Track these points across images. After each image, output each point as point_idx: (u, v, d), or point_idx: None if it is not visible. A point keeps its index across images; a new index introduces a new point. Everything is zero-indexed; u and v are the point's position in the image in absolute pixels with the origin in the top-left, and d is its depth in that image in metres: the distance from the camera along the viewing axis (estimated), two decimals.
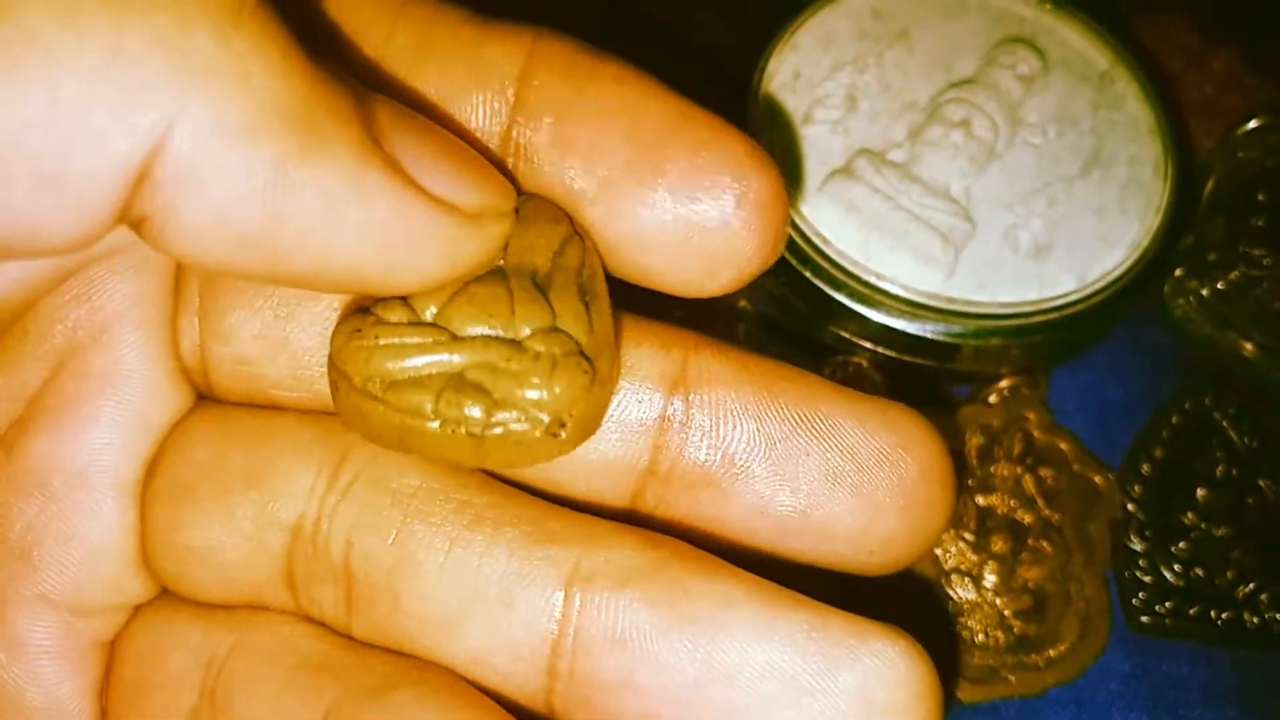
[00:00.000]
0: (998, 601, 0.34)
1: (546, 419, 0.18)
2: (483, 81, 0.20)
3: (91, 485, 0.22)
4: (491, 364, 0.18)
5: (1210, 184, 0.40)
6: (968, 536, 0.35)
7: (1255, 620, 0.35)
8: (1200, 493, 0.37)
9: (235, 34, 0.16)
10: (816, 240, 0.36)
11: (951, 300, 0.35)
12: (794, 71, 0.39)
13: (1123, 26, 0.41)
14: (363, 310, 0.19)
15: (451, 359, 0.18)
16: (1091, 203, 0.37)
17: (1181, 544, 0.36)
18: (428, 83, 0.20)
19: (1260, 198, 0.40)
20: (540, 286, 0.19)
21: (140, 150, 0.15)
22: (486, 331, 0.18)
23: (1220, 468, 0.37)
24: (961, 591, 0.34)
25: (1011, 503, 0.36)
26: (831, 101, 0.39)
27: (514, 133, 0.20)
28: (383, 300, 0.19)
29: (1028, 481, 0.36)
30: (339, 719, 0.20)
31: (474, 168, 0.19)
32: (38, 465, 0.21)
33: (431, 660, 0.20)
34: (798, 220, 0.36)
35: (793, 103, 0.38)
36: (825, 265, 0.35)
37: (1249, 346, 0.38)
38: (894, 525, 0.21)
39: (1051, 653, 0.34)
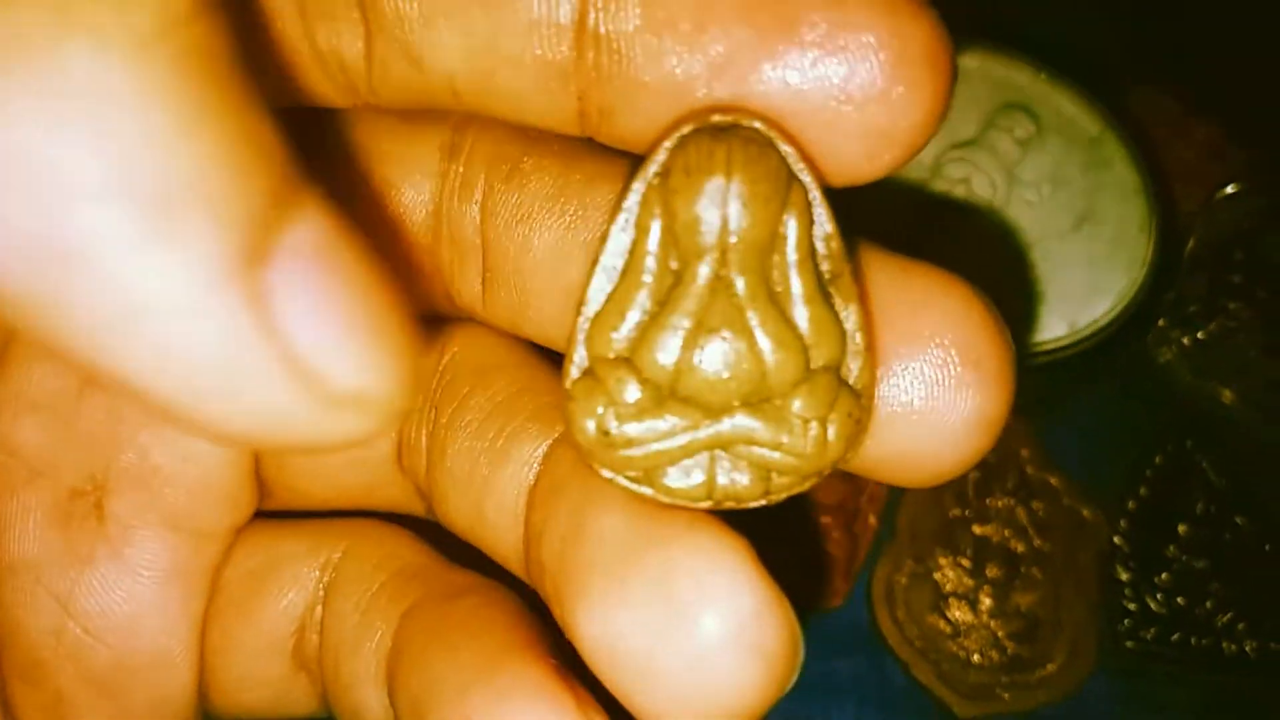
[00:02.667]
0: (992, 624, 0.37)
1: (824, 473, 0.17)
2: None
3: None
4: (752, 437, 0.17)
5: (1191, 243, 0.43)
6: (964, 563, 0.38)
7: (1232, 647, 0.37)
8: (1182, 528, 0.39)
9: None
10: None
11: None
12: None
13: (1112, 96, 0.44)
14: (588, 374, 0.17)
15: (712, 439, 0.17)
16: (1082, 256, 0.40)
17: (1164, 575, 0.38)
18: None
19: (1238, 256, 0.43)
20: (774, 295, 0.17)
21: None
22: (734, 389, 0.17)
23: (1200, 505, 0.40)
24: (959, 613, 0.37)
25: (1006, 532, 0.38)
26: None
27: (590, 21, 0.16)
28: (604, 360, 0.17)
29: (1021, 513, 0.38)
30: (413, 617, 0.20)
31: (382, 340, 0.14)
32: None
33: None
34: None
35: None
36: None
37: (1227, 393, 0.41)
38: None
39: (1043, 672, 0.36)
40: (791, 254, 0.16)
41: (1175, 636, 0.37)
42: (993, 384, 0.17)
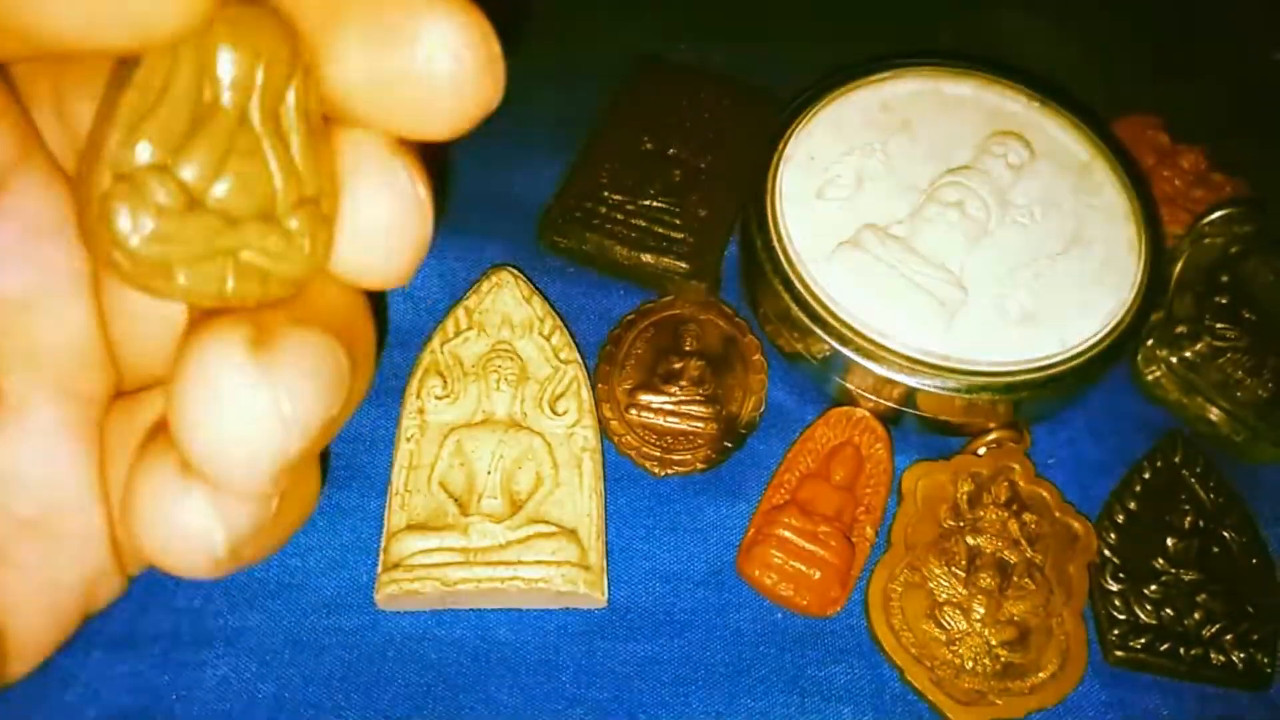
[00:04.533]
0: (985, 632, 0.38)
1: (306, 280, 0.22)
2: None
3: (63, 290, 0.25)
4: (261, 244, 0.21)
5: (1179, 265, 0.45)
6: (958, 572, 0.38)
7: (1220, 658, 0.38)
8: (1170, 541, 0.40)
9: None
10: (826, 300, 0.40)
11: (946, 358, 0.39)
12: (808, 154, 0.44)
13: (1102, 125, 0.45)
14: (126, 180, 0.20)
15: (227, 242, 0.21)
16: (1072, 277, 0.41)
17: (1153, 587, 0.39)
18: None
19: (1224, 279, 0.44)
20: (282, 135, 0.21)
21: None
22: (250, 205, 0.21)
23: (1188, 519, 0.41)
24: (952, 621, 0.38)
25: (998, 543, 0.39)
26: (841, 181, 0.43)
27: None
28: (147, 165, 0.20)
29: (1013, 525, 0.39)
30: None
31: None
32: (8, 290, 0.25)
33: None
34: (810, 283, 0.40)
35: (807, 181, 0.43)
36: (834, 323, 0.39)
37: (1214, 411, 0.42)
38: None
39: (1035, 680, 0.37)
40: (293, 107, 0.21)
41: (1164, 646, 0.38)
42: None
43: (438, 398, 0.40)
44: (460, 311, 0.42)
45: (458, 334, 0.41)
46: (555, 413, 0.40)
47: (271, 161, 0.21)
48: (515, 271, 0.43)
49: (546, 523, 0.37)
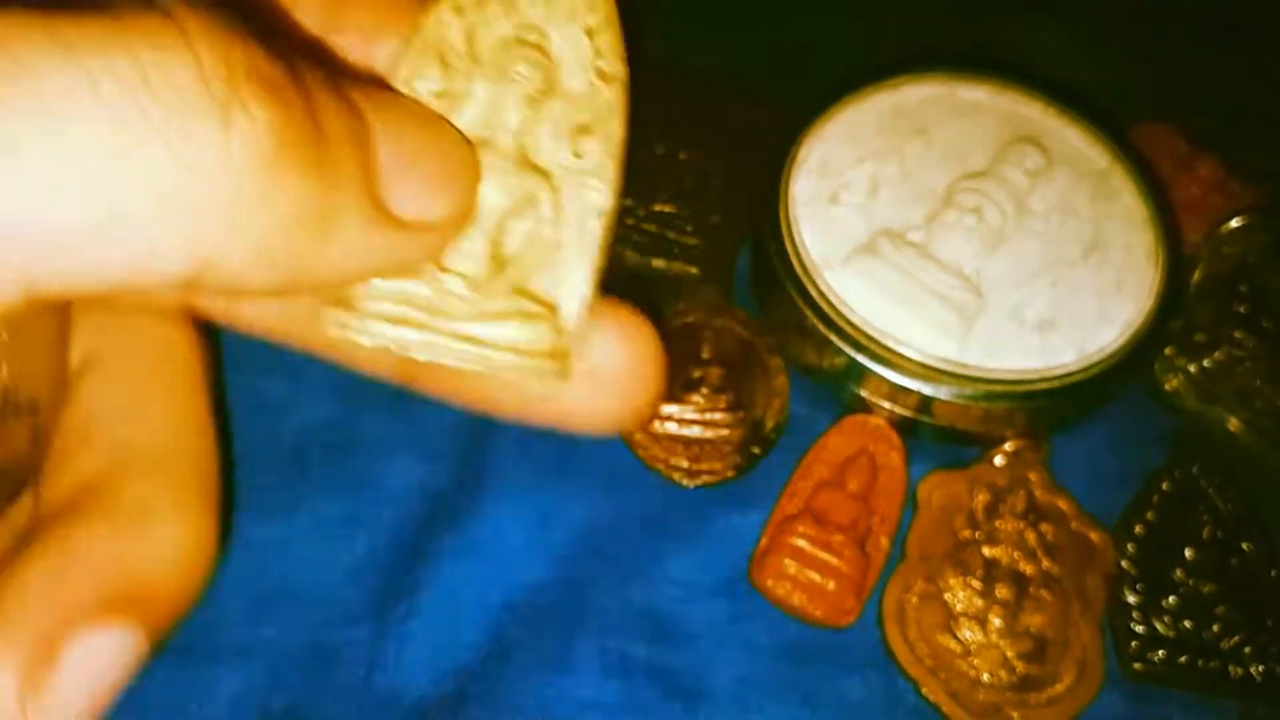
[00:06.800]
0: (1002, 643, 0.37)
1: None
2: None
3: None
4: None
5: (1198, 273, 0.44)
6: (974, 584, 0.38)
7: (1239, 671, 0.38)
8: (1188, 552, 0.40)
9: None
10: (841, 308, 0.39)
11: (963, 366, 0.39)
12: (821, 160, 0.43)
13: (1119, 132, 0.45)
14: None
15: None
16: (1090, 285, 0.41)
17: (1171, 598, 0.39)
18: None
19: (1243, 288, 0.44)
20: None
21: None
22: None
23: (1207, 530, 0.40)
24: (969, 633, 0.37)
25: (1015, 554, 0.39)
26: (856, 187, 0.43)
27: None
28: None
29: (1030, 536, 0.39)
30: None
31: (449, 176, 0.23)
32: None
33: None
34: (825, 289, 0.40)
35: (820, 187, 0.43)
36: (849, 330, 0.39)
37: (1233, 420, 0.42)
38: None
39: (1051, 692, 0.37)
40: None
41: (1183, 659, 0.38)
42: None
43: (434, 94, 0.26)
44: None
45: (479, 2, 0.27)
46: (575, 153, 0.27)
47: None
48: None
49: (530, 298, 0.26)
